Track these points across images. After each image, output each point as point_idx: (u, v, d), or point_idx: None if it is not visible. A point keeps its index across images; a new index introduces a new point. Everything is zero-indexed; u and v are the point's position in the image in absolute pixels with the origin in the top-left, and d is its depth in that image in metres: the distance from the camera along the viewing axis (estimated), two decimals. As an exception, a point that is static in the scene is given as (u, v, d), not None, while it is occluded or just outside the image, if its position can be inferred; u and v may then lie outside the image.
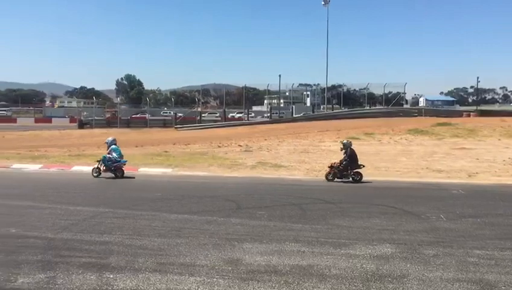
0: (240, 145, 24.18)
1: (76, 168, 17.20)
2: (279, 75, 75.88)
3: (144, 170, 16.70)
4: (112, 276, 5.71)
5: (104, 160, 15.33)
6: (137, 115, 64.65)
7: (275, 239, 7.42)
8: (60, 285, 5.43)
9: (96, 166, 15.50)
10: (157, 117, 61.12)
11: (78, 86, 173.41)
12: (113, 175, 15.18)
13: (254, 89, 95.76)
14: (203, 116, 58.26)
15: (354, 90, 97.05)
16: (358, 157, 14.86)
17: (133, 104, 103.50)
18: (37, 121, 65.87)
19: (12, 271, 5.84)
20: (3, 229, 8.03)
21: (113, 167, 15.28)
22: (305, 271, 5.94)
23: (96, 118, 54.72)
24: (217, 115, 62.42)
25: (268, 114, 58.93)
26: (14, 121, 66.27)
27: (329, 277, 5.73)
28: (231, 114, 65.68)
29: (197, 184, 14.14)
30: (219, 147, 24.18)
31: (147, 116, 59.65)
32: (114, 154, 15.42)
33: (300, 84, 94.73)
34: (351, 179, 14.56)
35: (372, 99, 78.52)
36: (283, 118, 52.83)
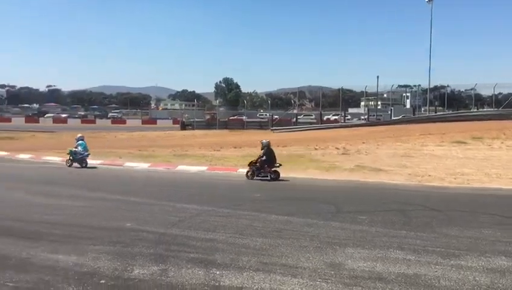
0: (337, 148, 23.87)
1: (181, 167, 18.14)
2: (377, 77, 73.61)
3: (243, 171, 17.14)
4: (218, 272, 5.95)
5: (71, 153, 18.72)
6: (235, 117, 66.52)
7: (378, 245, 7.22)
8: (172, 278, 5.78)
9: (68, 158, 18.89)
10: (253, 119, 62.32)
11: (180, 89, 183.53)
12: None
13: (350, 90, 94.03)
14: (299, 118, 58.35)
15: (459, 91, 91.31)
16: (277, 156, 15.87)
17: (230, 106, 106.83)
18: (143, 122, 70.82)
19: (129, 262, 6.32)
20: (120, 223, 8.72)
21: (78, 158, 18.64)
22: (412, 280, 5.70)
23: (196, 119, 57.32)
24: (313, 117, 62.11)
25: (366, 116, 57.45)
26: (124, 122, 71.78)
27: (438, 289, 5.45)
28: (327, 116, 65.05)
29: (296, 186, 14.23)
30: (316, 149, 24.07)
31: (244, 118, 61.18)
32: (79, 148, 18.67)
33: (400, 86, 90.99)
34: (269, 177, 15.37)
35: (479, 101, 73.30)
36: (381, 121, 51.18)
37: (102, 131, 44.76)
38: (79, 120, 73.51)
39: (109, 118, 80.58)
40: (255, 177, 15.45)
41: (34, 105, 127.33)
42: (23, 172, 17.23)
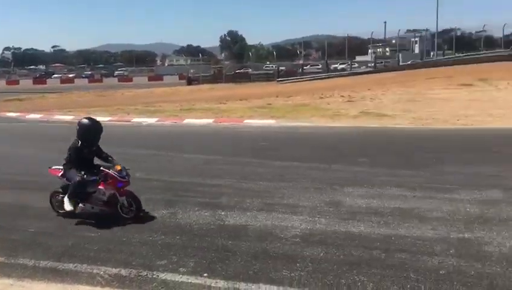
0: (342, 96, 23.91)
1: (188, 120, 18.41)
2: (385, 22, 72.00)
3: (249, 122, 17.38)
4: (223, 213, 6.34)
5: None
6: (241, 70, 66.06)
7: (377, 184, 7.54)
8: (180, 219, 6.19)
9: None
10: (259, 71, 61.82)
11: (184, 45, 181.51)
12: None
13: (357, 38, 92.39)
14: (305, 69, 57.83)
15: (470, 33, 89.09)
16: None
17: (236, 59, 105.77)
18: (150, 79, 70.36)
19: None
20: (130, 173, 9.07)
21: None
22: (406, 213, 6.06)
23: (202, 74, 57.07)
24: (319, 67, 61.51)
25: (373, 64, 56.80)
26: (131, 80, 71.39)
27: (431, 219, 5.80)
28: (333, 65, 64.32)
29: (300, 134, 14.50)
30: (321, 98, 24.14)
31: (250, 70, 60.78)
32: None
33: (408, 30, 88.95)
34: None
35: (489, 42, 71.70)
36: (388, 67, 50.66)
37: (109, 89, 44.87)
38: (86, 80, 73.52)
39: (116, 77, 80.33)
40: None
41: (41, 66, 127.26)
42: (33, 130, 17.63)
